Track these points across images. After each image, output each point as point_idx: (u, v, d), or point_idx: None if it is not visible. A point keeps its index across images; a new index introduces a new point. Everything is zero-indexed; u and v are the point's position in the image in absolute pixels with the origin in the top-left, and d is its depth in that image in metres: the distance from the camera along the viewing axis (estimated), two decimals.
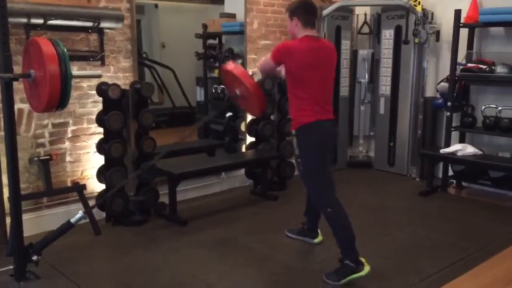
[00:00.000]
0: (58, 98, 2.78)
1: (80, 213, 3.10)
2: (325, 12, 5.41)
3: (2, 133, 3.14)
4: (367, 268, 2.97)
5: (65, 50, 2.81)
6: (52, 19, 3.55)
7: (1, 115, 3.19)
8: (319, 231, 3.62)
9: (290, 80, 3.10)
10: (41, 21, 3.51)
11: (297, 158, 3.22)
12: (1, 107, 2.98)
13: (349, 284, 2.98)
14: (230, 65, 3.32)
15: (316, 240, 3.63)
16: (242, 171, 5.06)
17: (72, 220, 3.08)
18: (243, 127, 5.06)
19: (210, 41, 5.82)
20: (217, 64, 5.79)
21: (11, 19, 3.25)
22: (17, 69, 3.11)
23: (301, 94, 3.07)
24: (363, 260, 2.99)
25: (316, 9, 3.17)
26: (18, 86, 3.25)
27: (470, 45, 4.91)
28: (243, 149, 5.13)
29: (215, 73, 5.89)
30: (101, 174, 3.98)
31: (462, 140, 5.05)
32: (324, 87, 3.11)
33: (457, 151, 4.74)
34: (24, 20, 3.46)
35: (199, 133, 5.98)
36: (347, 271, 2.97)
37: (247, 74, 3.30)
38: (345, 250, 3.01)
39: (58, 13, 3.59)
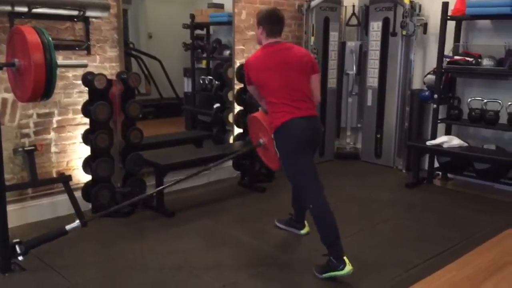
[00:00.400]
0: (43, 87, 2.74)
1: (77, 222, 3.11)
2: (313, 3, 5.39)
3: None
4: (348, 268, 2.91)
5: (50, 39, 2.77)
6: (37, 7, 3.49)
7: None
8: (306, 222, 3.63)
9: (260, 89, 3.22)
10: (25, 9, 3.45)
11: (279, 158, 3.20)
12: None
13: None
14: (259, 113, 3.40)
15: (302, 232, 3.64)
16: (230, 162, 5.05)
17: (67, 228, 3.09)
18: (231, 118, 5.04)
19: (198, 32, 5.77)
20: (204, 55, 5.76)
21: None
22: (1, 58, 3.06)
23: (270, 99, 3.15)
24: (346, 259, 2.94)
25: (281, 20, 3.24)
26: (2, 75, 3.20)
27: (457, 38, 4.94)
28: (231, 141, 5.11)
29: (203, 64, 5.85)
30: (87, 165, 3.94)
31: (448, 132, 5.10)
32: (292, 86, 3.10)
33: (443, 143, 4.78)
34: (8, 8, 3.39)
35: (186, 124, 5.96)
36: (329, 267, 2.97)
37: None
38: (329, 246, 3.01)
39: (42, 2, 3.53)
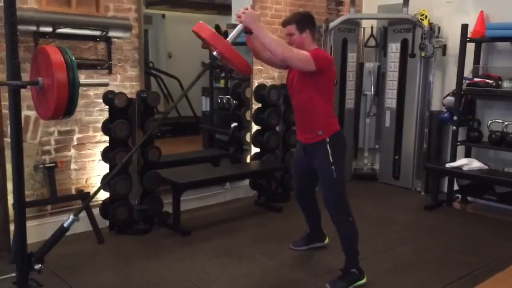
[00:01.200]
0: (65, 105, 2.78)
1: (71, 217, 3.09)
2: (331, 24, 5.42)
3: (9, 140, 3.16)
4: (365, 277, 3.14)
5: (73, 58, 2.82)
6: (61, 28, 3.58)
7: (8, 122, 3.20)
8: (325, 232, 3.70)
9: (326, 89, 3.08)
10: (50, 29, 3.54)
11: (329, 166, 3.06)
12: (8, 114, 2.99)
13: None
14: (199, 26, 2.87)
15: (326, 242, 3.71)
16: (247, 181, 5.06)
17: (65, 224, 3.07)
18: (248, 137, 5.06)
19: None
20: (223, 75, 5.82)
21: (21, 27, 3.27)
22: (25, 77, 3.12)
23: (331, 102, 3.17)
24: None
25: None
26: (25, 93, 3.26)
27: (476, 60, 4.91)
28: (248, 160, 5.12)
29: (221, 84, 5.91)
30: (106, 183, 3.97)
31: (468, 155, 5.04)
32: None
33: (462, 165, 4.72)
34: (33, 28, 3.49)
35: (204, 143, 5.99)
36: (353, 278, 3.08)
37: (217, 37, 2.86)
38: (353, 259, 3.11)
39: (67, 22, 3.62)
